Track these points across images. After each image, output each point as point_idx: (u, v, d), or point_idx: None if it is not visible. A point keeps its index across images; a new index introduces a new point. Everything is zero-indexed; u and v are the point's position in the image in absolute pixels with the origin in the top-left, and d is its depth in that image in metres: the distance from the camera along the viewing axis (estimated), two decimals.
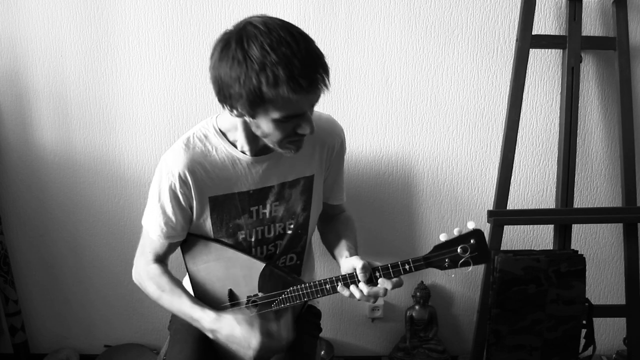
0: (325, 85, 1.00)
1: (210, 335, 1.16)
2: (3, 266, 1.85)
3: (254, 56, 0.95)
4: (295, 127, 1.05)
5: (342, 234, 1.30)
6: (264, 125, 1.04)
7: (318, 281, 1.14)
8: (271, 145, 1.11)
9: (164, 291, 1.21)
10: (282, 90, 0.96)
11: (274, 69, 0.94)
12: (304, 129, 1.05)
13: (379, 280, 1.09)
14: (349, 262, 1.14)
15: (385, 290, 1.08)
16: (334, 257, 1.29)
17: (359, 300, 1.11)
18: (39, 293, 1.97)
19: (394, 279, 1.09)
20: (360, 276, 1.09)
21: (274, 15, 1.03)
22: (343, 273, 1.14)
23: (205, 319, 1.15)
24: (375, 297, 1.10)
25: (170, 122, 1.78)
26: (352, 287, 1.10)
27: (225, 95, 1.02)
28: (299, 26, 1.01)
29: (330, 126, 1.25)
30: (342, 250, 1.23)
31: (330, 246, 1.32)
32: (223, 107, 1.05)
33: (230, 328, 1.12)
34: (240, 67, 0.96)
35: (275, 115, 1.01)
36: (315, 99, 1.02)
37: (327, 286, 1.13)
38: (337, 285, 1.11)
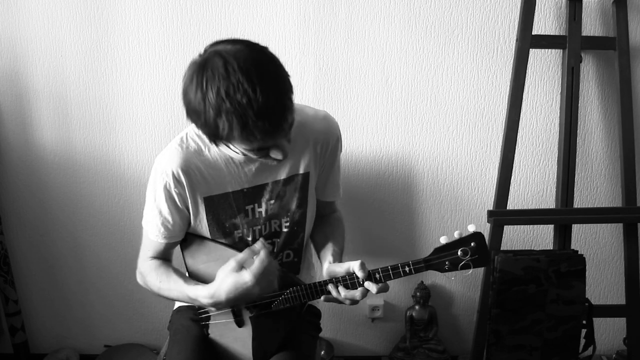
0: (285, 127, 1.00)
1: (214, 310, 1.16)
2: (3, 266, 1.85)
3: (211, 101, 0.95)
4: (268, 152, 1.06)
5: (330, 237, 1.31)
6: (238, 147, 1.05)
7: (318, 282, 1.14)
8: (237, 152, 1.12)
9: (162, 281, 1.21)
10: (237, 136, 0.97)
11: (228, 117, 0.94)
12: (275, 155, 1.06)
13: (365, 283, 1.10)
14: (334, 268, 1.16)
15: (366, 292, 1.10)
16: (318, 257, 1.30)
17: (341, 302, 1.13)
18: (39, 293, 1.97)
19: (380, 284, 1.09)
20: (359, 273, 1.09)
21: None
22: (325, 277, 1.16)
23: (200, 295, 1.14)
24: (352, 300, 1.12)
25: (170, 122, 1.78)
26: (331, 287, 1.13)
27: (192, 121, 1.03)
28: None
29: (325, 124, 1.25)
30: (327, 255, 1.24)
31: (316, 246, 1.33)
32: None
33: (224, 285, 1.10)
34: (200, 106, 0.96)
35: (241, 147, 1.03)
36: (279, 138, 1.02)
37: (348, 282, 1.13)
38: (337, 286, 1.12)
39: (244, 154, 1.14)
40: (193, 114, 1.00)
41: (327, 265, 1.19)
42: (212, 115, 0.95)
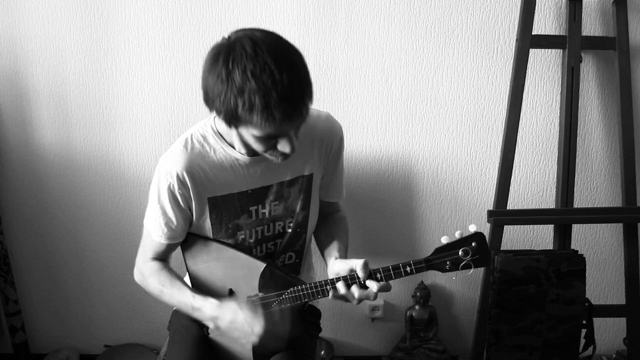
0: (302, 116, 1.01)
1: (210, 325, 1.16)
2: (3, 266, 1.85)
3: (235, 79, 0.96)
4: (277, 144, 1.06)
5: (335, 235, 1.31)
6: (246, 136, 1.06)
7: (319, 282, 1.14)
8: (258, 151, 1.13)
9: (164, 285, 1.21)
10: (255, 118, 0.97)
11: (251, 96, 0.95)
12: (283, 147, 1.06)
13: (367, 282, 1.09)
14: (340, 265, 1.16)
15: (376, 294, 1.10)
16: (322, 255, 1.30)
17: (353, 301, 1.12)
18: (39, 293, 1.97)
19: (382, 283, 1.09)
20: (360, 273, 1.09)
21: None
22: (330, 275, 1.15)
23: (207, 306, 1.15)
24: (368, 298, 1.11)
25: (170, 122, 1.78)
26: (352, 287, 1.11)
27: (209, 104, 1.04)
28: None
29: (328, 125, 1.25)
30: (332, 252, 1.24)
31: (321, 245, 1.33)
32: (210, 111, 1.07)
33: (233, 313, 1.11)
34: (222, 85, 0.97)
35: (254, 133, 1.02)
36: (293, 126, 1.03)
37: (328, 287, 1.13)
38: (360, 283, 1.11)
39: (249, 152, 1.14)
40: (213, 93, 0.99)
41: (333, 261, 1.19)
42: (234, 93, 0.96)
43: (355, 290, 1.10)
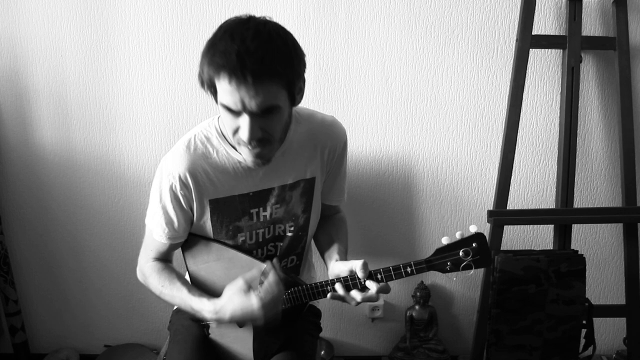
0: (267, 91, 0.99)
1: (214, 325, 1.16)
2: (3, 266, 1.85)
3: (216, 39, 1.00)
4: (238, 128, 1.05)
5: (335, 237, 1.31)
6: (222, 112, 1.06)
7: (319, 282, 1.14)
8: (240, 154, 1.13)
9: (164, 286, 1.21)
10: (222, 73, 0.98)
11: (217, 50, 0.98)
12: (242, 133, 1.05)
13: (367, 282, 1.10)
14: (340, 266, 1.16)
15: (377, 295, 1.10)
16: (322, 258, 1.30)
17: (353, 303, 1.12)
18: (39, 293, 1.97)
19: (382, 284, 1.09)
20: (359, 274, 1.09)
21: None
22: (331, 277, 1.15)
23: (204, 309, 1.15)
24: (370, 300, 1.11)
25: (170, 122, 1.78)
26: (352, 291, 1.11)
27: (200, 84, 1.06)
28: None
29: (332, 129, 1.26)
30: (333, 254, 1.24)
31: (321, 247, 1.33)
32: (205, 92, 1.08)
33: (230, 304, 1.11)
34: (206, 50, 1.01)
35: (222, 100, 1.02)
36: (256, 100, 0.99)
37: (329, 287, 1.13)
38: (360, 284, 1.11)
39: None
40: (201, 68, 1.03)
41: (333, 264, 1.19)
42: (211, 53, 0.99)
43: (356, 294, 1.10)
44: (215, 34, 1.02)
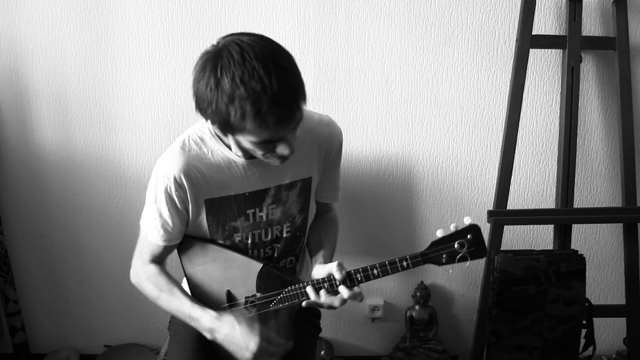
0: (296, 119, 1.00)
1: (207, 336, 1.16)
2: (3, 266, 1.85)
3: (224, 87, 0.94)
4: (275, 147, 1.05)
5: (324, 238, 1.32)
6: (243, 142, 1.05)
7: (316, 280, 1.14)
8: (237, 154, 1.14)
9: (162, 291, 1.21)
10: (249, 125, 0.96)
11: (242, 103, 0.94)
12: (282, 150, 1.05)
13: (339, 287, 1.11)
14: (318, 270, 1.17)
15: (344, 301, 1.12)
16: (310, 256, 1.32)
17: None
18: (39, 293, 1.97)
19: (351, 292, 1.11)
20: (336, 275, 1.11)
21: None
22: (314, 277, 1.17)
23: (205, 317, 1.15)
24: (330, 305, 1.14)
25: (170, 122, 1.78)
26: (309, 290, 1.14)
27: (202, 113, 1.03)
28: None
29: (328, 130, 1.25)
30: (318, 258, 1.25)
31: (310, 248, 1.34)
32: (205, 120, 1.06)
33: (231, 327, 1.12)
34: (212, 94, 0.96)
35: (250, 139, 1.02)
36: (289, 129, 1.02)
37: (326, 285, 1.13)
38: (336, 285, 1.12)
39: (245, 155, 1.14)
40: (204, 102, 0.99)
41: (314, 268, 1.21)
42: (225, 101, 0.95)
43: (322, 294, 1.12)
44: (214, 75, 0.96)
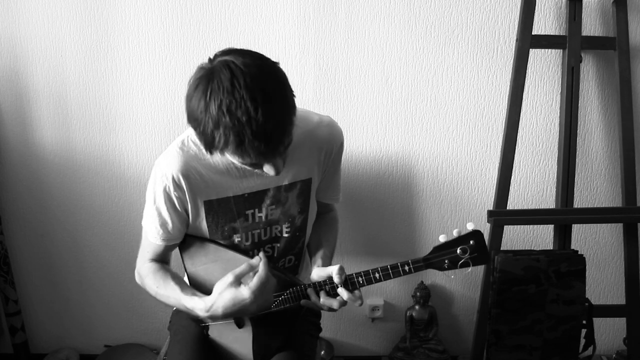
0: (281, 149, 0.99)
1: (210, 322, 1.16)
2: (3, 266, 1.85)
3: (212, 112, 0.94)
4: (262, 167, 1.06)
5: (323, 239, 1.32)
6: (231, 158, 1.06)
7: (318, 282, 1.14)
8: None
9: (159, 286, 1.21)
10: (230, 152, 0.98)
11: (226, 131, 0.94)
12: (268, 170, 1.05)
13: (338, 289, 1.12)
14: (317, 272, 1.18)
15: (344, 302, 1.12)
16: (309, 256, 1.32)
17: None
18: (39, 293, 1.97)
19: (350, 295, 1.11)
20: (335, 279, 1.11)
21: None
22: (314, 280, 1.17)
23: (196, 306, 1.15)
24: (329, 308, 1.14)
25: (170, 122, 1.78)
26: (310, 292, 1.14)
27: (191, 126, 1.03)
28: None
29: (328, 131, 1.25)
30: (317, 259, 1.25)
31: (309, 248, 1.34)
32: None
33: (221, 300, 1.11)
34: (201, 115, 0.96)
35: (234, 159, 1.03)
36: (271, 159, 1.01)
37: (327, 287, 1.13)
38: (337, 287, 1.12)
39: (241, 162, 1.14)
40: (193, 120, 0.99)
41: (314, 270, 1.21)
42: (210, 126, 0.95)
43: (322, 296, 1.13)
44: (204, 98, 0.95)
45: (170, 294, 1.19)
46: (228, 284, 1.11)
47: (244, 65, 0.95)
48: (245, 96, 0.93)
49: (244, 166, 1.08)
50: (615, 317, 1.87)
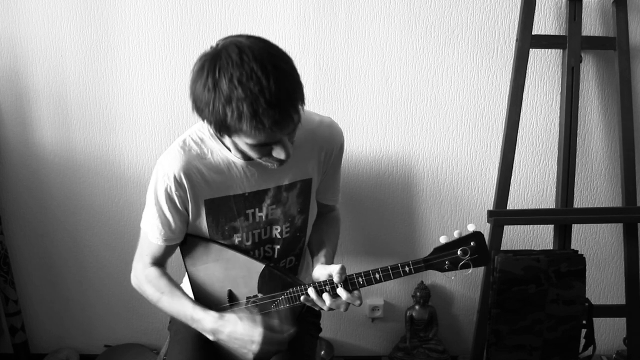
0: (293, 122, 1.00)
1: (210, 337, 1.16)
2: (3, 266, 1.85)
3: (222, 88, 0.94)
4: (271, 150, 1.05)
5: (325, 238, 1.32)
6: (239, 144, 1.06)
7: (318, 282, 1.15)
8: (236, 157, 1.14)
9: (163, 293, 1.21)
10: (245, 126, 0.96)
11: (239, 104, 0.94)
12: (278, 154, 1.05)
13: (338, 290, 1.11)
14: (319, 270, 1.17)
15: (347, 305, 1.12)
16: (311, 255, 1.32)
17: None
18: (39, 293, 1.97)
19: (348, 296, 1.11)
20: (335, 278, 1.11)
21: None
22: (315, 277, 1.17)
23: (207, 319, 1.15)
24: (338, 308, 1.14)
25: (170, 122, 1.78)
26: (311, 291, 1.14)
27: (199, 114, 1.03)
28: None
29: (329, 131, 1.25)
30: (320, 257, 1.25)
31: (311, 247, 1.34)
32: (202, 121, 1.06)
33: (233, 325, 1.12)
34: (210, 94, 0.96)
35: (246, 140, 1.02)
36: (285, 132, 1.01)
37: (327, 287, 1.13)
38: (337, 287, 1.12)
39: (244, 157, 1.14)
40: (201, 102, 0.99)
41: (315, 268, 1.21)
42: (222, 102, 0.95)
43: (326, 297, 1.12)
44: (212, 76, 0.95)
45: (176, 303, 1.19)
46: (248, 317, 1.12)
47: (249, 42, 0.97)
48: (255, 67, 0.93)
49: (252, 152, 1.06)
50: (615, 317, 1.87)
